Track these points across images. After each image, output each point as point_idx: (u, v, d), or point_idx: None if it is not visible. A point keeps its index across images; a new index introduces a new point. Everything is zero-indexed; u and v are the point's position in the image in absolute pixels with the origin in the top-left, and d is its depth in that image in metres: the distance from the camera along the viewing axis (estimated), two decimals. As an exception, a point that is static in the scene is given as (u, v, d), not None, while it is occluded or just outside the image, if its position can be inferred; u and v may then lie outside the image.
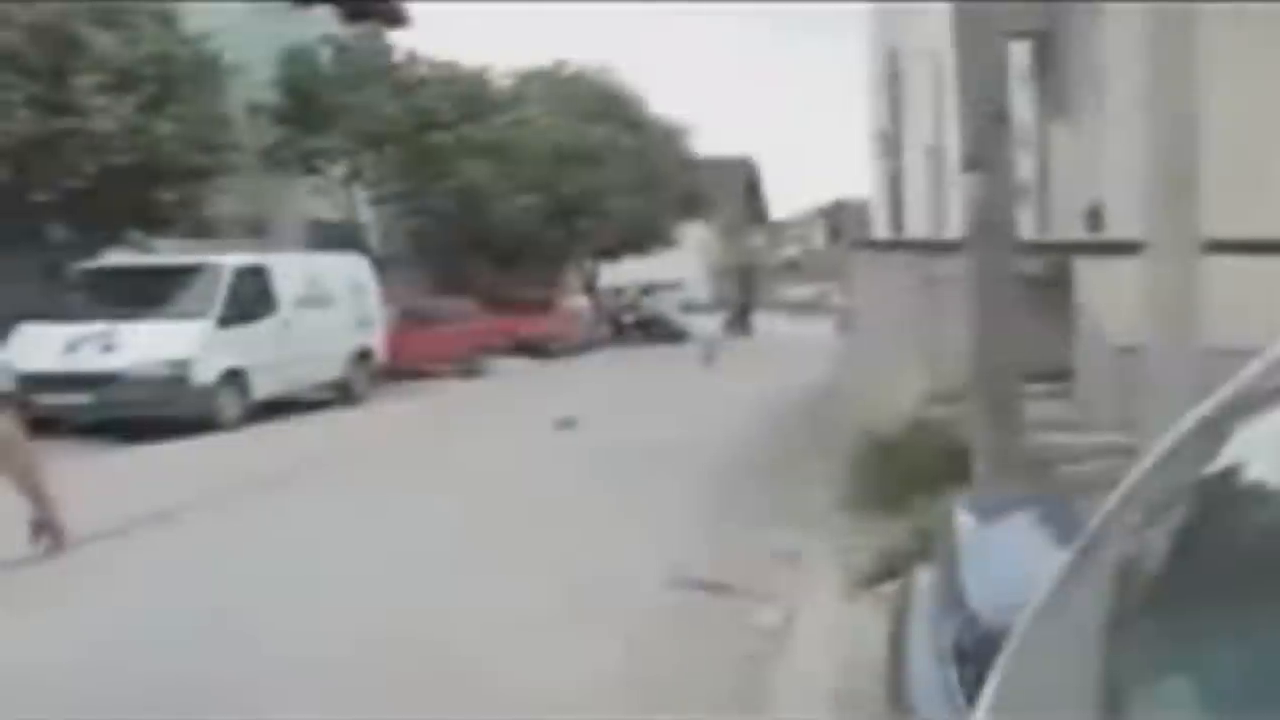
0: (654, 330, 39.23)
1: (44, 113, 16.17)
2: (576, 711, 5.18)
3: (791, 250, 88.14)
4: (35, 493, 4.45)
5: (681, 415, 16.71)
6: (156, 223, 19.08)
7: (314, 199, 26.36)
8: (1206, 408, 1.56)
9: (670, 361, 27.86)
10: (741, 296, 46.54)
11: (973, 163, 7.06)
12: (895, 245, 10.51)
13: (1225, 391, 1.52)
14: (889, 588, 6.79)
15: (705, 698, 5.40)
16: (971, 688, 3.46)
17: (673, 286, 44.59)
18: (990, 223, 6.95)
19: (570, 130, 32.33)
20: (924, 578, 4.78)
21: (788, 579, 7.46)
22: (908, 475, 8.88)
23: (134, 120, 16.86)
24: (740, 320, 43.55)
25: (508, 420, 17.17)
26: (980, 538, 4.38)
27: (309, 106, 24.77)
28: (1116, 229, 11.79)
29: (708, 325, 30.84)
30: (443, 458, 13.36)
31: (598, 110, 35.71)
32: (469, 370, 25.24)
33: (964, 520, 4.61)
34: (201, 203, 19.69)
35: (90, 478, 10.78)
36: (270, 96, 24.66)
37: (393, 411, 18.79)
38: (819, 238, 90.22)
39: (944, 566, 4.30)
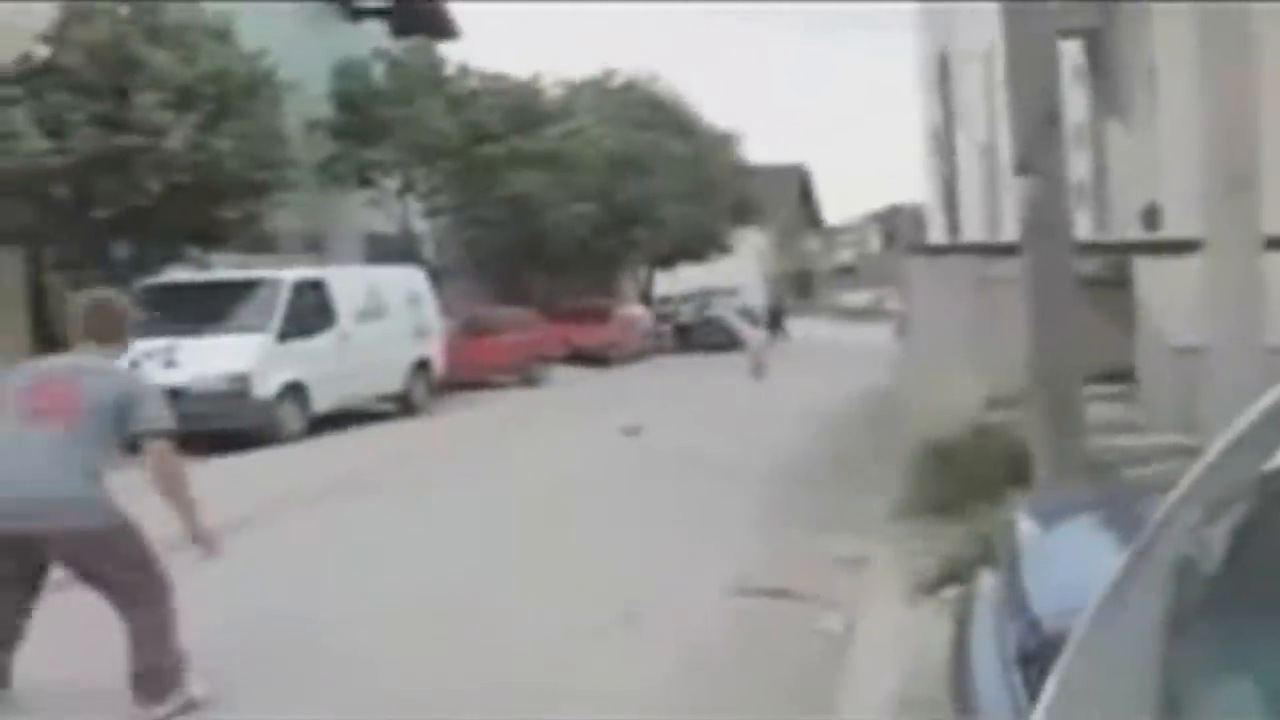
0: (715, 337, 38.52)
1: (108, 131, 16.43)
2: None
3: (846, 255, 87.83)
4: (186, 513, 5.32)
5: (740, 421, 16.70)
6: (215, 239, 19.35)
7: (369, 212, 26.61)
8: (1265, 403, 1.56)
9: (729, 369, 27.77)
10: (772, 302, 45.60)
11: (1024, 165, 7.03)
12: (950, 249, 10.46)
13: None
14: (951, 593, 6.77)
15: (769, 703, 5.41)
16: (1036, 692, 3.47)
17: (729, 293, 44.53)
18: (1044, 224, 6.92)
19: (622, 138, 32.41)
20: (987, 582, 4.78)
21: (850, 585, 7.45)
22: (967, 480, 8.84)
23: (195, 138, 17.10)
24: (775, 325, 42.97)
25: (569, 429, 17.19)
26: (1042, 541, 4.37)
27: (363, 120, 25.03)
28: (1174, 228, 11.69)
29: (756, 335, 29.23)
30: (506, 466, 13.43)
31: (649, 119, 35.79)
32: (528, 379, 25.35)
33: (1026, 524, 4.61)
34: (260, 218, 19.94)
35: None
36: (324, 111, 24.94)
37: (453, 421, 18.90)
38: (874, 242, 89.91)
39: (1007, 571, 4.29)
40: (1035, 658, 3.42)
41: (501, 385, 24.23)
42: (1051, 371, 6.99)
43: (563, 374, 26.90)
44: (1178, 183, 11.40)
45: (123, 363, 5.62)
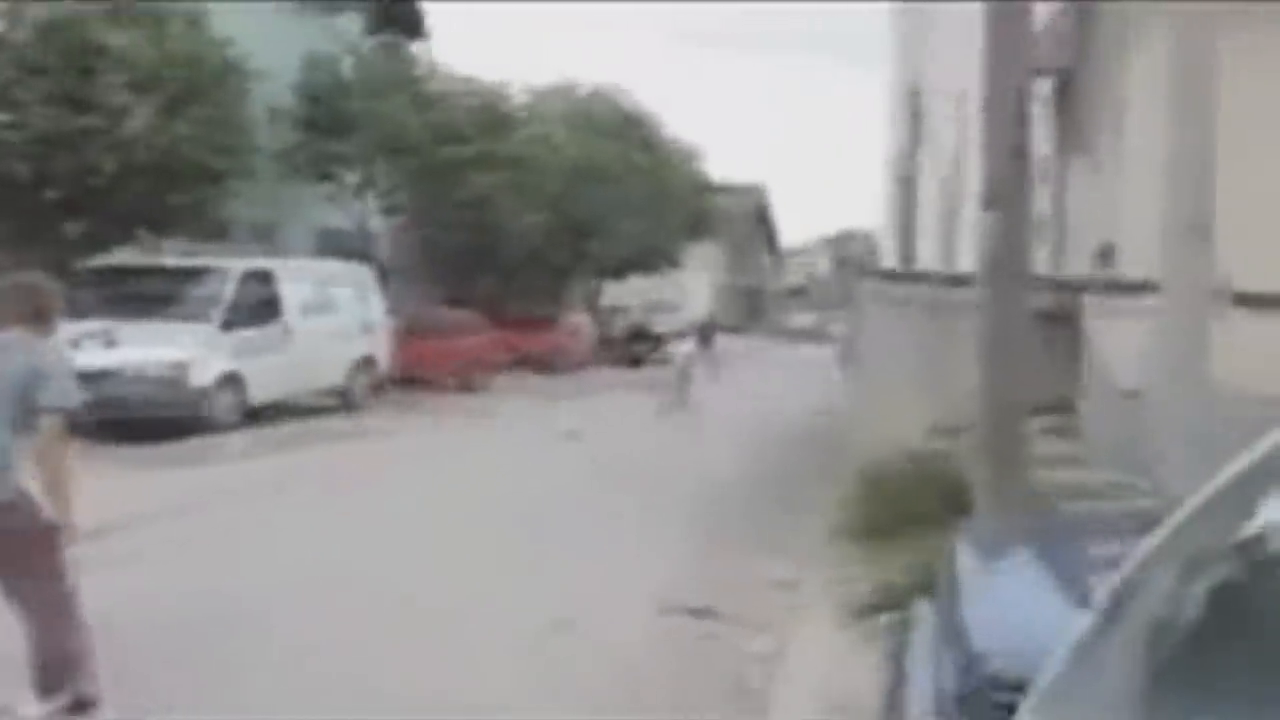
0: (654, 352, 37.95)
1: (66, 110, 16.11)
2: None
3: (796, 277, 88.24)
4: (59, 495, 5.04)
5: (677, 434, 16.63)
6: (168, 224, 19.02)
7: (325, 207, 26.32)
8: (1240, 464, 1.50)
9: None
10: (705, 319, 44.71)
11: (992, 200, 7.02)
12: (905, 276, 10.44)
13: (1259, 450, 1.46)
14: (884, 619, 6.72)
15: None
16: (972, 727, 3.40)
17: (672, 308, 44.54)
18: (1005, 260, 6.91)
19: (585, 146, 32.27)
20: (923, 612, 4.71)
21: (781, 608, 7.37)
22: (906, 507, 8.81)
23: (156, 121, 16.80)
24: (704, 341, 42.47)
25: (507, 433, 17.09)
26: (982, 573, 4.30)
27: (328, 113, 24.73)
28: (1128, 268, 11.77)
29: (682, 350, 24.68)
30: (441, 469, 13.30)
31: (613, 129, 35.66)
32: (471, 383, 25.14)
33: (965, 554, 4.54)
34: (214, 206, 19.62)
35: (91, 476, 10.76)
36: (291, 103, 24.63)
37: (392, 422, 18.69)
38: (824, 265, 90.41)
39: (945, 602, 4.23)
40: (972, 697, 3.35)
41: (444, 387, 24.01)
42: (999, 405, 6.97)
43: (507, 380, 26.71)
44: (1135, 224, 11.50)
45: (50, 345, 5.35)
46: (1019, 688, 3.22)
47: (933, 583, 6.38)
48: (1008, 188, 7.00)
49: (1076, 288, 11.31)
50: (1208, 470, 5.54)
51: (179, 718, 5.26)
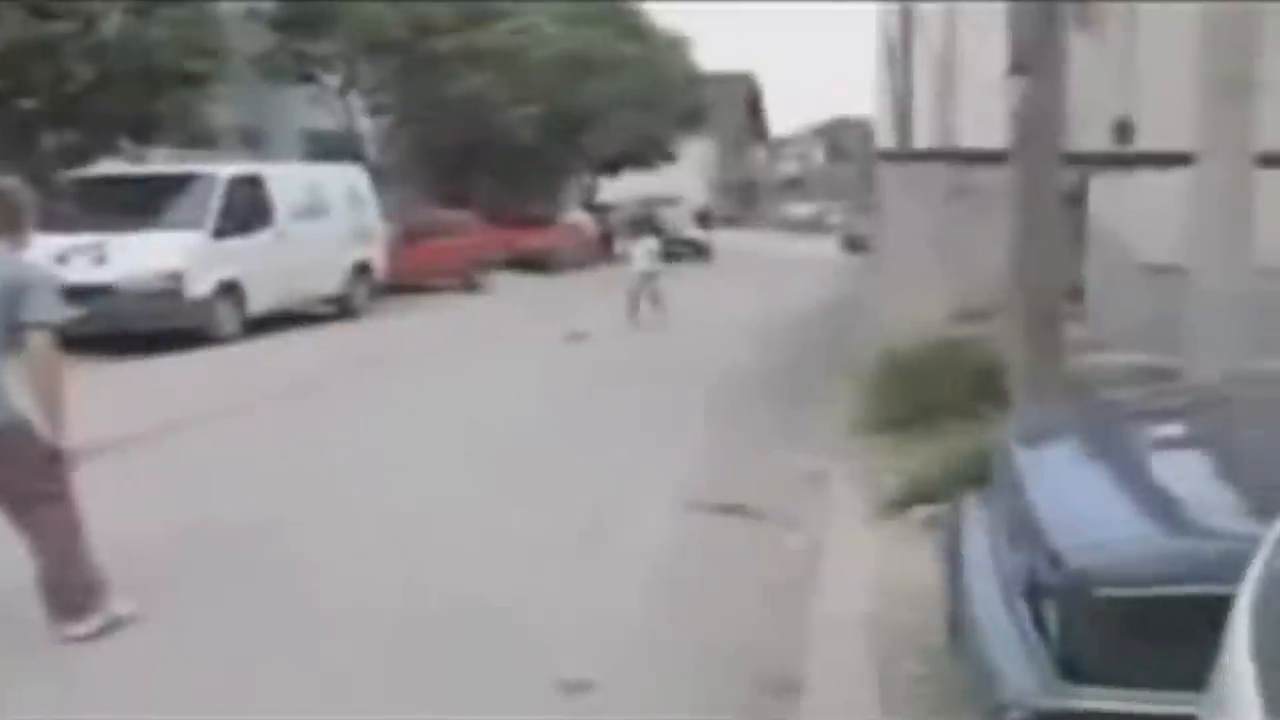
0: (673, 248, 37.27)
1: (37, 17, 15.53)
2: (602, 644, 4.85)
3: (791, 167, 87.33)
4: (53, 415, 4.89)
5: (686, 330, 16.31)
6: (150, 132, 18.51)
7: (310, 109, 25.74)
8: None
9: (685, 279, 27.23)
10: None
11: (1020, 66, 6.64)
12: (924, 155, 10.06)
13: None
14: (920, 513, 6.48)
15: (734, 625, 5.06)
16: (1052, 627, 3.14)
17: (670, 202, 43.90)
18: (1037, 131, 6.55)
19: (573, 37, 31.49)
20: (976, 507, 4.44)
21: (811, 503, 7.11)
22: (931, 396, 8.56)
23: (130, 24, 16.24)
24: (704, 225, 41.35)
25: (512, 334, 16.76)
26: (1044, 467, 4.01)
27: (304, 12, 24.05)
28: (1148, 143, 11.37)
29: (644, 255, 19.07)
30: (448, 372, 13.01)
31: (600, 19, 34.84)
32: (469, 285, 24.79)
33: (1021, 447, 4.25)
34: (196, 111, 19.08)
35: (93, 391, 10.48)
36: (266, 3, 23.96)
37: (394, 326, 18.37)
38: (819, 155, 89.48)
39: (1008, 497, 3.95)
40: (1056, 591, 3.09)
41: (441, 290, 23.67)
42: (1034, 285, 6.66)
43: (504, 280, 26.35)
44: (1154, 95, 11.06)
45: (25, 255, 5.14)
46: (1110, 581, 2.98)
47: (968, 473, 6.16)
48: (1037, 52, 6.61)
49: (1108, 161, 10.89)
50: (1250, 346, 5.22)
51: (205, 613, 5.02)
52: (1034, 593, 3.32)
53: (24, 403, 4.92)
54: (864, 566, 5.66)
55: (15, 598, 5.04)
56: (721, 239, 41.22)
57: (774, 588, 5.55)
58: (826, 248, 42.87)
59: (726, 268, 33.16)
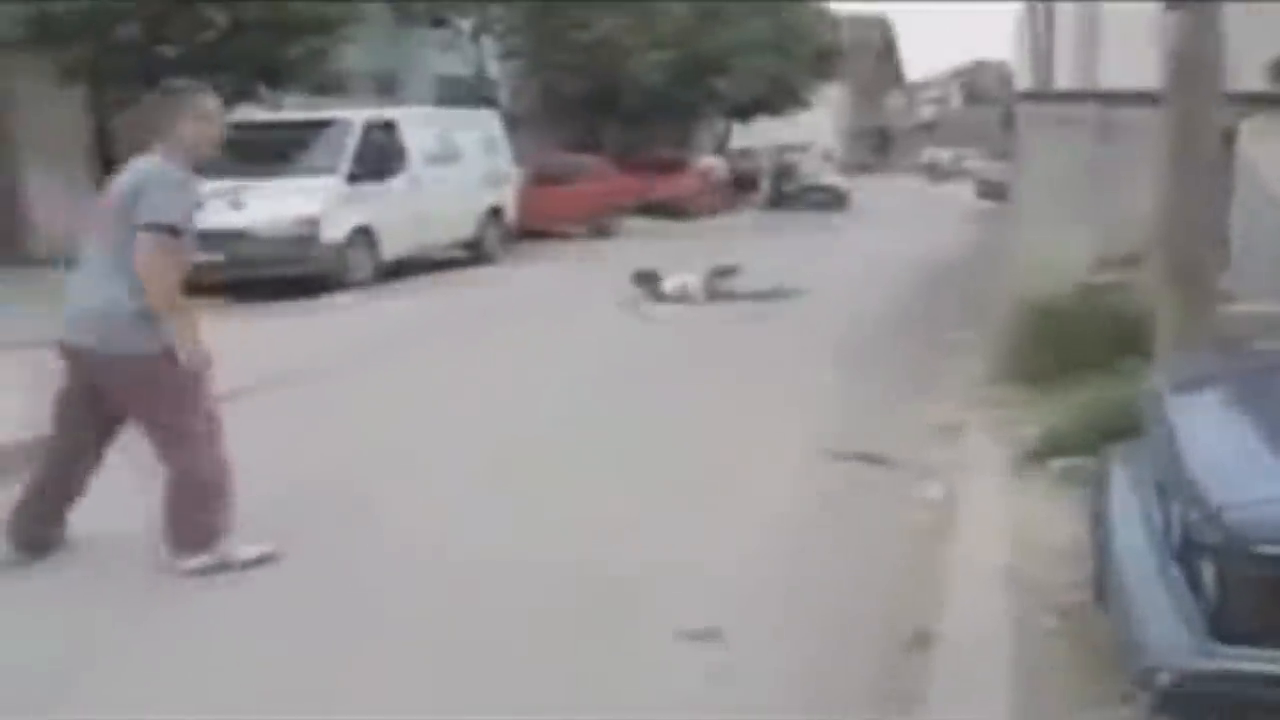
0: (810, 196, 35.79)
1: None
2: (735, 593, 4.80)
3: (928, 112, 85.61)
4: (179, 323, 4.84)
5: (821, 276, 16.04)
6: (285, 78, 18.76)
7: (443, 54, 25.86)
8: None
9: (815, 227, 26.88)
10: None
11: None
12: (1069, 96, 9.70)
13: None
14: (1058, 464, 6.28)
15: (869, 575, 4.97)
16: (1207, 586, 2.99)
17: (802, 149, 43.27)
18: (1195, 69, 6.22)
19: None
20: (1123, 460, 4.27)
21: (947, 453, 6.95)
22: (1073, 345, 8.27)
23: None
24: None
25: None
26: (1198, 419, 3.82)
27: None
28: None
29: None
30: (582, 318, 13.00)
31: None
32: (600, 230, 24.77)
33: (1173, 398, 4.07)
34: (329, 57, 19.28)
35: (236, 334, 10.73)
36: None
37: (530, 272, 18.43)
38: (956, 99, 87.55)
39: (1161, 451, 3.78)
40: (1215, 551, 2.94)
41: (573, 236, 23.69)
42: (1185, 230, 6.35)
43: (636, 225, 26.27)
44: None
45: (180, 161, 4.97)
46: (1270, 539, 2.83)
47: (1109, 425, 5.95)
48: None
49: (1250, 102, 10.40)
50: None
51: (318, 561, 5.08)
52: (1188, 549, 3.17)
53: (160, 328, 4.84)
54: (1001, 518, 5.50)
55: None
56: (855, 185, 40.55)
57: (909, 538, 5.44)
58: (963, 193, 41.91)
59: (863, 215, 32.60)
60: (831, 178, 39.00)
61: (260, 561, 5.10)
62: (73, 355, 4.97)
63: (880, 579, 4.92)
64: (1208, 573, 2.98)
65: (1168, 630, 3.00)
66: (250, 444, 5.52)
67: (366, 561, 5.23)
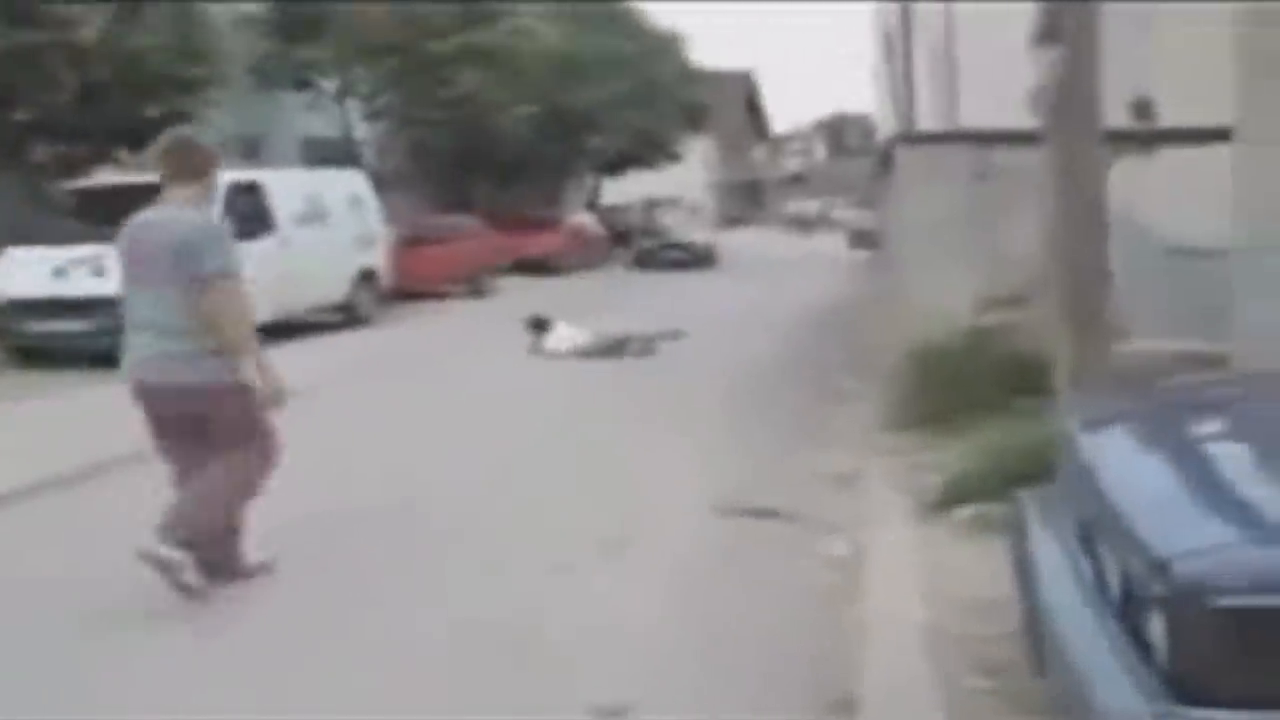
0: (668, 254, 33.79)
1: (16, 25, 15.17)
2: (637, 664, 4.50)
3: (794, 164, 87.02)
4: (250, 358, 5.42)
5: (699, 330, 15.92)
6: (145, 140, 18.13)
7: (307, 115, 25.41)
8: None
9: (688, 277, 26.81)
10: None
11: (1048, 34, 6.29)
12: (946, 137, 9.71)
13: None
14: (963, 513, 6.14)
15: (781, 639, 4.71)
16: (1158, 642, 2.79)
17: (672, 203, 43.53)
18: (1073, 102, 6.18)
19: (568, 37, 31.09)
20: (1040, 507, 4.10)
21: (848, 505, 6.76)
22: (964, 388, 8.20)
23: (113, 29, 15.87)
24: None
25: (525, 339, 16.36)
26: (1120, 461, 3.65)
27: (299, 17, 23.72)
28: (1170, 120, 11.00)
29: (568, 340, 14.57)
30: (464, 377, 12.66)
31: (596, 18, 34.48)
32: (476, 290, 24.44)
33: (1088, 441, 3.91)
34: (190, 118, 18.72)
35: (92, 407, 10.22)
36: (256, 9, 23.62)
37: (403, 333, 18.00)
38: (820, 151, 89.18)
39: (1080, 496, 3.61)
40: (1166, 605, 2.74)
41: (446, 296, 23.32)
42: (1076, 268, 6.30)
43: (511, 283, 26.00)
44: (1173, 73, 10.71)
45: (207, 207, 5.62)
46: (1228, 590, 2.64)
47: (1014, 470, 5.81)
48: (1069, 17, 6.25)
49: (1148, 139, 10.50)
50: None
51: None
52: (1129, 603, 2.97)
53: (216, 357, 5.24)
54: (911, 572, 5.30)
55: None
56: (724, 239, 40.70)
57: (820, 597, 5.20)
58: (833, 244, 42.46)
59: (734, 270, 32.50)
60: (696, 233, 37.56)
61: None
62: (149, 391, 5.37)
63: (794, 642, 4.67)
64: (1158, 629, 2.77)
65: (1118, 692, 2.78)
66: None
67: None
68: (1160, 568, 2.76)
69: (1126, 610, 3.00)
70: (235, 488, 5.45)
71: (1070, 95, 6.22)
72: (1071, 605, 3.27)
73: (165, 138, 5.63)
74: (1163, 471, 3.48)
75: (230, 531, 5.52)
